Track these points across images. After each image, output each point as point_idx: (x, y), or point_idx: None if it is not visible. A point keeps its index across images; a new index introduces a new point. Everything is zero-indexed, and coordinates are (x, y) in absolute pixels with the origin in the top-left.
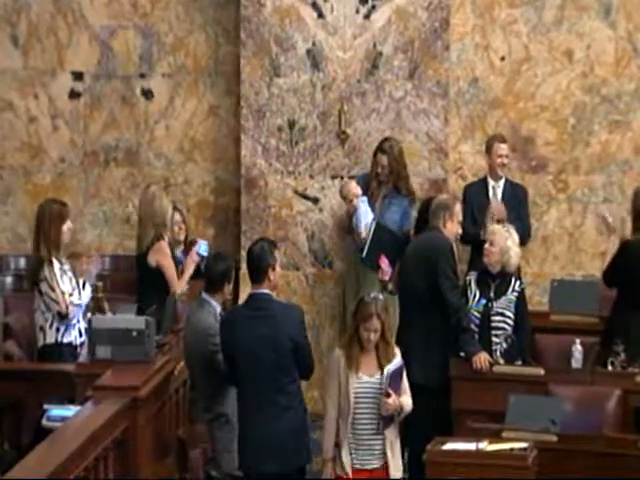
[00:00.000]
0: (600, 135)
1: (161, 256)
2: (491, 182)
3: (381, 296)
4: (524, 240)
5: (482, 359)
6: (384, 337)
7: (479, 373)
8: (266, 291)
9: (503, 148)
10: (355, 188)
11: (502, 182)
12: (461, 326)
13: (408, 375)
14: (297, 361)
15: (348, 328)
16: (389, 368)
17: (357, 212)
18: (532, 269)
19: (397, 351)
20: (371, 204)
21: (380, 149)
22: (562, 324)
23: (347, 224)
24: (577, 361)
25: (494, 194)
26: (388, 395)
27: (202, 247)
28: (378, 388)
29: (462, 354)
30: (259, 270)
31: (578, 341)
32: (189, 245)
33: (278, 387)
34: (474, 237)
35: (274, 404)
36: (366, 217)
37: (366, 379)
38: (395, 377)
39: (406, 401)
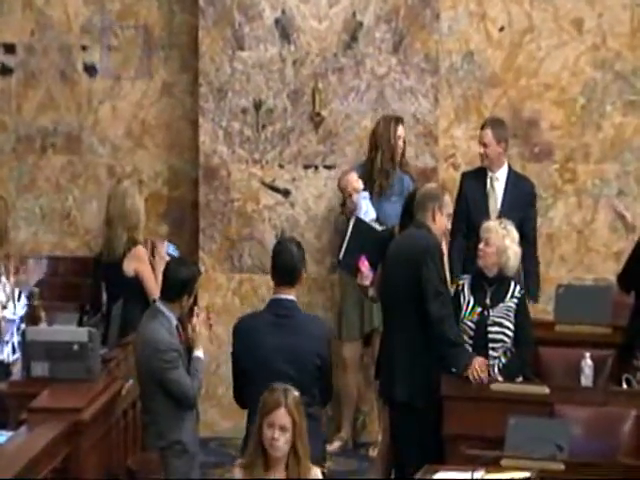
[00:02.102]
0: (613, 117)
1: (140, 263)
2: (489, 172)
3: (296, 393)
4: (529, 245)
5: (479, 364)
6: (295, 449)
7: (477, 389)
8: (292, 297)
9: (482, 135)
10: (356, 181)
11: (503, 173)
12: (447, 339)
13: (391, 393)
14: (320, 381)
15: (251, 435)
16: None
17: (357, 210)
18: None
19: (316, 473)
20: (371, 198)
21: (400, 122)
22: (570, 335)
23: (339, 224)
24: (587, 378)
25: (492, 187)
26: None
27: (171, 247)
28: None
29: (454, 370)
30: (293, 273)
31: (588, 355)
32: (150, 247)
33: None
34: (459, 242)
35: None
36: (367, 215)
37: None
38: None
39: None
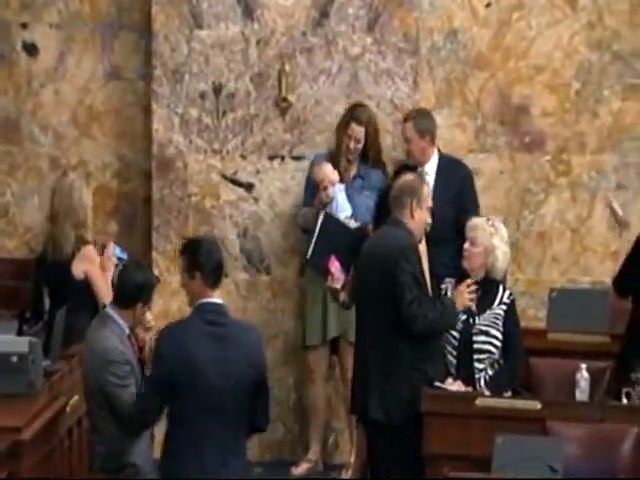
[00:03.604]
0: (611, 103)
1: (90, 265)
2: (418, 167)
3: None
4: None
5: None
6: None
7: (460, 404)
8: (221, 301)
9: (403, 129)
10: (332, 173)
11: (433, 165)
12: (429, 320)
13: (365, 409)
14: (257, 400)
15: None
16: None
17: (333, 204)
18: (525, 275)
19: None
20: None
21: (354, 118)
22: (564, 345)
23: (309, 218)
24: (583, 391)
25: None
26: None
27: (117, 249)
28: None
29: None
30: (223, 272)
31: (584, 366)
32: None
33: (234, 431)
34: None
35: (233, 453)
36: (344, 210)
37: None
38: None
39: None
